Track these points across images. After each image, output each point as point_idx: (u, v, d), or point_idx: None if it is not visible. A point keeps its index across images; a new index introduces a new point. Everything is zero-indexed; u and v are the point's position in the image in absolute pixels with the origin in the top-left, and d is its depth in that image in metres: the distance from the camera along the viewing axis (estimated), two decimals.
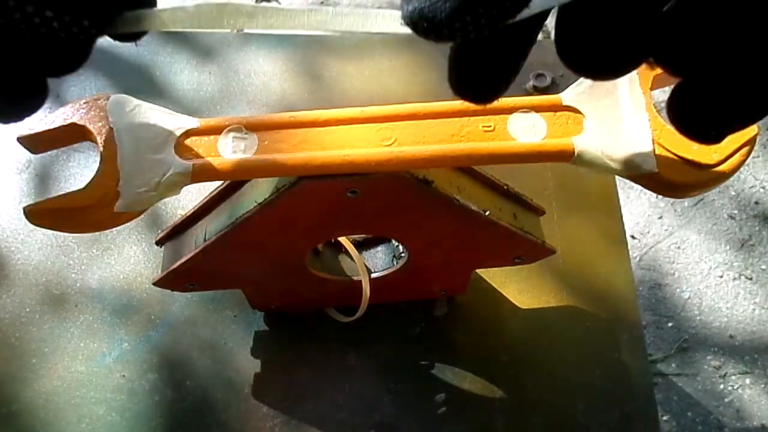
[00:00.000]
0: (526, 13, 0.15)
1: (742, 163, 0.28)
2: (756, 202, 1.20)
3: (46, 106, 0.20)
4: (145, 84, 0.55)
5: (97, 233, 0.47)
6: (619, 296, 0.46)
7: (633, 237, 1.16)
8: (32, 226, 0.31)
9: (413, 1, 0.16)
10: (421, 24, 0.16)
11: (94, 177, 0.28)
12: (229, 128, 0.29)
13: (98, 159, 0.28)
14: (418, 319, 0.45)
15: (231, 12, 0.17)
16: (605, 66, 0.18)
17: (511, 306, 0.46)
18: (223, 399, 0.42)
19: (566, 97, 0.30)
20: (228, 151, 0.29)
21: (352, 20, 0.17)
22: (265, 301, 0.44)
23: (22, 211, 0.28)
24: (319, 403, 0.42)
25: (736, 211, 1.19)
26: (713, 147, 0.27)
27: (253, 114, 0.53)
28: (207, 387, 0.43)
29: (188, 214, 0.37)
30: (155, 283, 0.38)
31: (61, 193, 0.28)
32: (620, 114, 0.29)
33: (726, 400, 1.02)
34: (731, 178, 0.28)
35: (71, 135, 0.30)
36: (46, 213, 0.28)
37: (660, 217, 1.18)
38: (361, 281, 0.41)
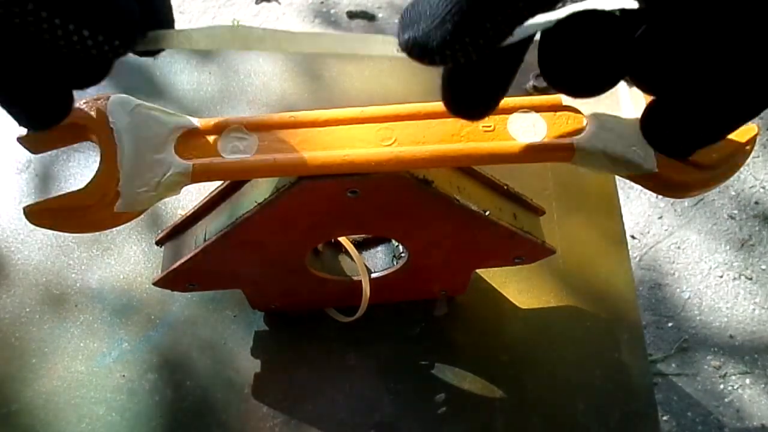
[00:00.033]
0: (511, 40, 0.17)
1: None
2: (756, 202, 1.20)
3: None
4: (145, 84, 0.55)
5: (97, 233, 0.47)
6: (619, 296, 0.46)
7: (633, 237, 1.16)
8: (32, 226, 0.31)
9: (408, 31, 0.18)
10: (415, 51, 0.18)
11: (94, 177, 0.28)
12: (229, 128, 0.29)
13: (98, 159, 0.28)
14: (418, 319, 0.45)
15: (243, 35, 0.19)
16: (585, 86, 0.20)
17: (511, 306, 0.46)
18: (223, 399, 0.42)
19: (566, 97, 0.30)
20: (228, 151, 0.29)
21: (354, 44, 0.19)
22: (265, 301, 0.44)
23: (22, 211, 0.28)
24: (319, 403, 0.42)
25: (736, 211, 1.19)
26: (713, 147, 0.27)
27: (253, 114, 0.53)
28: (207, 387, 0.43)
29: (188, 214, 0.37)
30: (155, 283, 0.38)
31: (61, 193, 0.28)
32: (620, 114, 0.29)
33: (726, 400, 1.02)
34: (731, 178, 0.28)
35: (71, 135, 0.29)
36: (46, 213, 0.28)
37: (660, 217, 1.18)
38: (361, 281, 0.41)
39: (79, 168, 0.51)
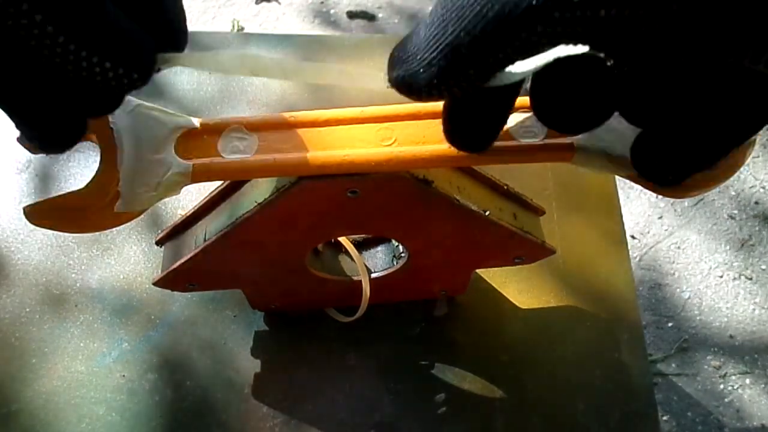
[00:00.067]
0: (498, 83, 0.18)
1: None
2: (756, 202, 1.20)
3: None
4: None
5: (97, 233, 0.47)
6: (619, 296, 0.46)
7: (633, 237, 1.16)
8: (32, 226, 0.31)
9: (397, 69, 0.19)
10: (404, 88, 0.19)
11: (94, 177, 0.28)
12: (229, 128, 0.29)
13: (98, 159, 0.28)
14: (418, 319, 0.45)
15: (250, 62, 0.20)
16: (575, 125, 0.21)
17: (511, 306, 0.46)
18: (223, 399, 0.42)
19: None
20: (228, 151, 0.29)
21: (353, 78, 0.21)
22: (265, 301, 0.44)
23: (22, 211, 0.28)
24: (319, 403, 0.42)
25: (736, 211, 1.19)
26: None
27: (253, 114, 0.53)
28: (207, 387, 0.43)
29: (188, 214, 0.37)
30: (155, 283, 0.38)
31: (61, 193, 0.28)
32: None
33: (726, 400, 1.02)
34: (731, 178, 0.28)
35: None
36: (46, 213, 0.28)
37: (660, 217, 1.18)
38: (361, 281, 0.41)
39: (79, 168, 0.51)
